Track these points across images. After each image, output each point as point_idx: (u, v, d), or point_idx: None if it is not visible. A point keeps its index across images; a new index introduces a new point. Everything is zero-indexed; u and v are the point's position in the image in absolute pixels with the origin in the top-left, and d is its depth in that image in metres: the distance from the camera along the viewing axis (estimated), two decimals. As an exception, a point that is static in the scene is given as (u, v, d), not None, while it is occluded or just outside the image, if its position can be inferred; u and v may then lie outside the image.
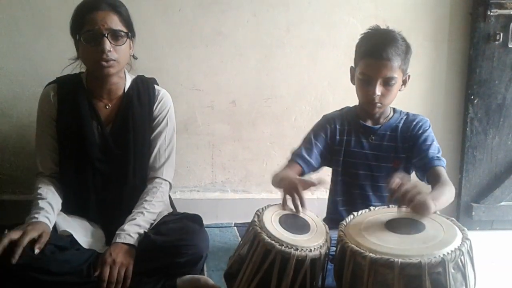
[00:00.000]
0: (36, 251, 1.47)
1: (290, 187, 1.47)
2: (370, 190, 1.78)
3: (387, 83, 1.63)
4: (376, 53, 1.62)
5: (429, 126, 1.75)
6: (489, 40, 2.34)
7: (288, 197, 1.47)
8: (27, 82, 2.25)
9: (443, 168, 1.62)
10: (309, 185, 1.46)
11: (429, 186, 1.60)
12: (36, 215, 1.58)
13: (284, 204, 1.48)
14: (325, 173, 1.85)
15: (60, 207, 1.70)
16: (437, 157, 1.64)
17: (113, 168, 1.76)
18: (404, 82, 1.72)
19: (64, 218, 1.70)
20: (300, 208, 1.45)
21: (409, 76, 1.72)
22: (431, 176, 1.61)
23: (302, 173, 1.74)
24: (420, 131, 1.73)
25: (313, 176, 1.52)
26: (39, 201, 1.64)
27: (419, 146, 1.70)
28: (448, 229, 1.31)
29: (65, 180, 1.74)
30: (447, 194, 1.45)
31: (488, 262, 2.04)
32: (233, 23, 2.33)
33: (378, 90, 1.63)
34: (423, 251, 1.21)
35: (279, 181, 1.58)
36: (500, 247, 2.30)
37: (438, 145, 1.70)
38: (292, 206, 1.48)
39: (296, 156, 1.75)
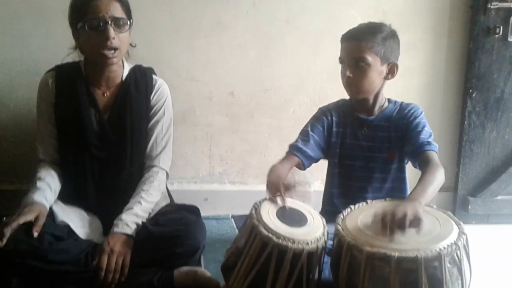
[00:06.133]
0: (35, 234, 1.50)
1: (274, 188, 1.49)
2: (366, 182, 1.78)
3: (357, 64, 1.65)
4: (348, 35, 1.70)
5: (421, 113, 1.75)
6: (488, 34, 2.33)
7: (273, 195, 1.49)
8: (24, 71, 2.23)
9: (433, 152, 1.61)
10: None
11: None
12: (32, 195, 1.62)
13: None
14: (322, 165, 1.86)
15: (58, 189, 1.72)
16: (428, 141, 1.64)
17: (110, 155, 1.77)
18: (391, 72, 1.71)
19: (62, 208, 1.72)
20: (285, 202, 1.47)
21: (396, 65, 1.71)
22: (421, 161, 1.60)
23: (301, 165, 1.75)
24: (411, 118, 1.73)
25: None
26: (37, 182, 1.67)
27: (410, 132, 1.70)
28: (444, 223, 1.33)
29: (63, 167, 1.76)
30: (432, 184, 1.44)
31: (484, 256, 2.06)
32: (233, 14, 2.32)
33: (349, 71, 1.66)
34: (419, 245, 1.22)
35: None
36: (496, 241, 2.31)
37: (430, 131, 1.69)
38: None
39: (293, 149, 1.76)
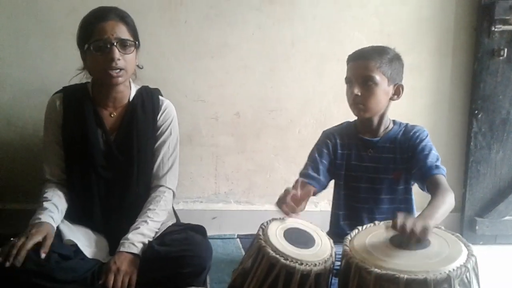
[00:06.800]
0: (43, 255, 1.50)
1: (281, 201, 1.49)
2: (372, 203, 1.78)
3: (366, 82, 1.66)
4: (356, 55, 1.72)
5: (427, 136, 1.75)
6: (493, 56, 2.35)
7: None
8: (32, 91, 2.26)
9: (442, 176, 1.60)
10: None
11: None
12: (39, 216, 1.62)
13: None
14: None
15: (64, 209, 1.73)
16: (436, 165, 1.63)
17: (117, 175, 1.78)
18: (397, 93, 1.73)
19: (69, 227, 1.72)
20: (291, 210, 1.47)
21: (402, 86, 1.73)
22: (430, 185, 1.59)
23: (314, 192, 1.73)
24: (417, 141, 1.73)
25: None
26: (44, 203, 1.67)
27: (417, 156, 1.70)
28: (453, 245, 1.31)
29: (69, 187, 1.77)
30: (442, 206, 1.44)
31: (491, 276, 2.03)
32: (239, 35, 2.35)
33: (357, 90, 1.66)
34: (428, 267, 1.20)
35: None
36: (504, 261, 2.29)
37: (437, 154, 1.69)
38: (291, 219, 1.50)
39: (304, 177, 1.74)
